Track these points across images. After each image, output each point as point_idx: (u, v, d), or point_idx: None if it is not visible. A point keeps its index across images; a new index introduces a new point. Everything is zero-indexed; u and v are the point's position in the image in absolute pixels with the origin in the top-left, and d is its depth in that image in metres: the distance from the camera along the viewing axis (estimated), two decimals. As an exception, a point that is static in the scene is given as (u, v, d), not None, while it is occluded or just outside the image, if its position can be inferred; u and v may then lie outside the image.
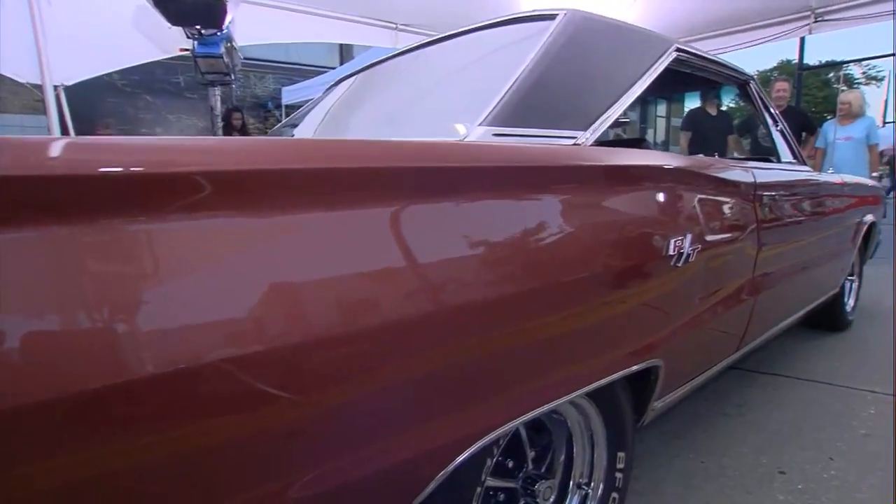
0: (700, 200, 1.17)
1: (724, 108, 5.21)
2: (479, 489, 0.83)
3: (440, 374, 0.69)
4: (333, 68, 9.36)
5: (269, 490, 0.56)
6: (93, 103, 7.52)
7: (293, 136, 1.71)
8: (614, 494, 1.09)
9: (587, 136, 1.03)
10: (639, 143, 1.41)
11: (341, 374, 0.59)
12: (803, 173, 1.93)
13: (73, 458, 0.45)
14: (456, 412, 0.72)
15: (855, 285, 2.80)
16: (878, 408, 1.81)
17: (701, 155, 1.56)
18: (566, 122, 1.03)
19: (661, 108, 13.45)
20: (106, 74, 4.64)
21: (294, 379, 0.55)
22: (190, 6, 2.60)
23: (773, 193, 1.56)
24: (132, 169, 0.49)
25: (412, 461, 0.69)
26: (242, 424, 0.53)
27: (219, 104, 3.32)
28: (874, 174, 4.08)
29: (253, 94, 10.44)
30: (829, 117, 5.02)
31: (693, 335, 1.20)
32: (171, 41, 3.18)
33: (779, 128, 1.92)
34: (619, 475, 1.09)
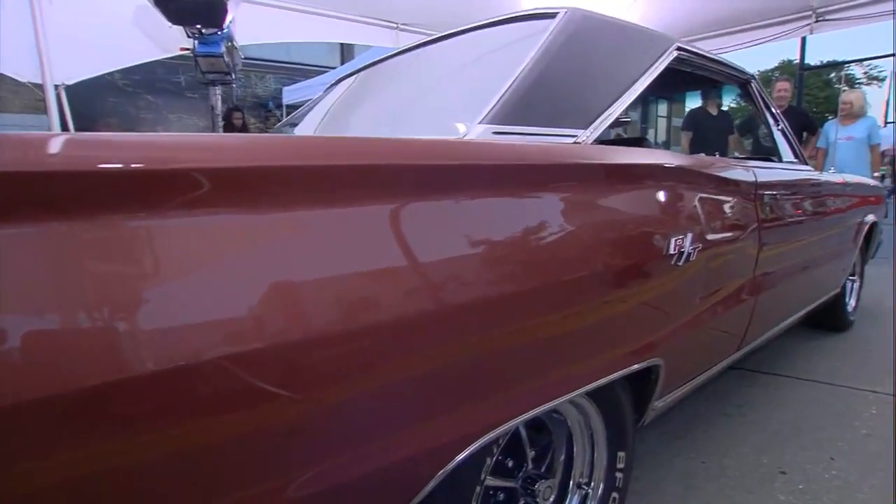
0: (701, 199, 1.17)
1: (724, 108, 5.20)
2: (478, 488, 0.82)
3: (440, 372, 0.69)
4: (334, 68, 9.36)
5: (268, 487, 0.56)
6: (94, 103, 7.54)
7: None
8: (614, 494, 1.08)
9: (587, 135, 1.03)
10: (639, 142, 1.41)
11: (341, 371, 0.59)
12: (805, 173, 1.92)
13: (72, 455, 0.45)
14: (456, 411, 0.72)
15: (856, 285, 2.80)
16: (879, 408, 1.81)
17: (702, 154, 1.55)
18: (566, 121, 1.03)
19: (662, 108, 13.45)
20: (107, 74, 4.64)
21: (294, 376, 0.55)
22: (190, 5, 2.60)
23: (774, 193, 1.55)
24: (132, 165, 0.49)
25: (412, 459, 0.69)
26: (242, 422, 0.53)
27: (219, 104, 3.32)
28: (876, 174, 4.08)
29: (254, 94, 10.44)
30: (830, 117, 5.02)
31: (694, 335, 1.20)
32: (172, 40, 3.18)
33: (780, 127, 1.91)
34: (619, 475, 1.09)
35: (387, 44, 4.51)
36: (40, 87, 3.19)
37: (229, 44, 2.86)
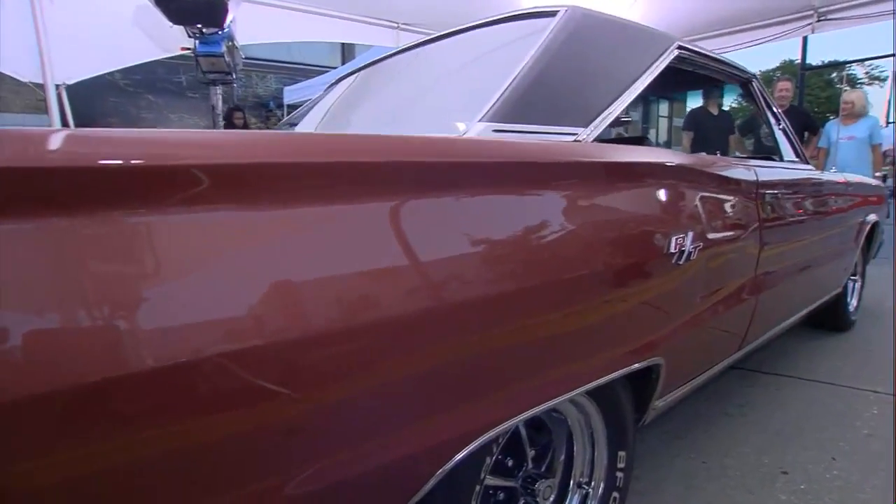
0: (702, 198, 1.16)
1: (725, 107, 5.20)
2: (478, 487, 0.82)
3: (440, 370, 0.69)
4: (335, 68, 9.36)
5: (267, 485, 0.56)
6: (95, 102, 7.55)
7: (294, 133, 1.71)
8: (615, 494, 1.08)
9: (588, 133, 1.03)
10: (640, 141, 1.41)
11: (341, 369, 0.59)
12: (806, 172, 1.92)
13: (72, 452, 0.44)
14: (455, 409, 0.72)
15: (858, 285, 2.79)
16: (880, 408, 1.80)
17: (703, 153, 1.55)
18: (567, 119, 1.02)
19: (663, 108, 13.44)
20: (108, 73, 4.65)
21: (293, 374, 0.55)
22: (191, 5, 2.60)
23: (775, 192, 1.55)
24: (132, 161, 0.49)
25: (411, 458, 0.69)
26: (242, 419, 0.53)
27: (220, 103, 3.33)
28: (877, 174, 4.07)
29: (255, 94, 10.45)
30: (831, 117, 5.01)
31: (694, 334, 1.20)
32: (173, 40, 3.19)
33: (781, 126, 1.91)
34: (619, 474, 1.08)
35: (388, 43, 4.51)
36: (41, 86, 3.20)
37: (230, 43, 2.86)
